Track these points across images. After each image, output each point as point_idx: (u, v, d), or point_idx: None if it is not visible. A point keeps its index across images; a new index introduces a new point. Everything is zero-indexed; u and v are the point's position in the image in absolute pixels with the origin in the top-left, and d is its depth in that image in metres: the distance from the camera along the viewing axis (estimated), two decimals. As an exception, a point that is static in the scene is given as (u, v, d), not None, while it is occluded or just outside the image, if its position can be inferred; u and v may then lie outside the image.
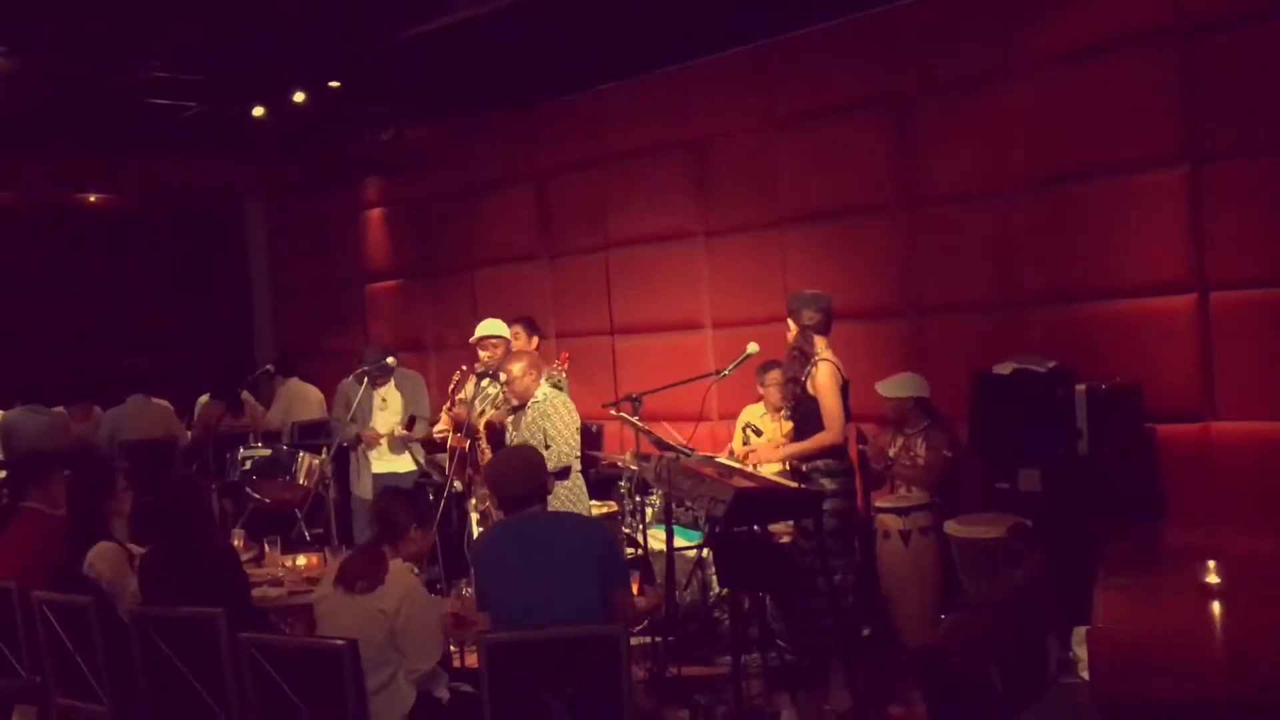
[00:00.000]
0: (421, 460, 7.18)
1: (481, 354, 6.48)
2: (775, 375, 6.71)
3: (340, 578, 3.97)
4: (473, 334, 6.73)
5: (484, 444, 6.06)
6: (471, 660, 5.40)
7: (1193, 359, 5.82)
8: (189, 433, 8.96)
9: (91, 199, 11.80)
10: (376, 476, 7.00)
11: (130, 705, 4.23)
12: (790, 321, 5.55)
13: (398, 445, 7.08)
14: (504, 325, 6.54)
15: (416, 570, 4.24)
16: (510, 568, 3.90)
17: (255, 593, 4.74)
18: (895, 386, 6.26)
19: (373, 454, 7.07)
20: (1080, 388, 5.64)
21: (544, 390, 5.97)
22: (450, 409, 6.45)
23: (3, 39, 6.75)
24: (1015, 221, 6.47)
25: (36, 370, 9.33)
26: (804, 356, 5.43)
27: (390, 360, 7.09)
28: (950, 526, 5.67)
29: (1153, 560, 4.46)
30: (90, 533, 4.64)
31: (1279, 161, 5.52)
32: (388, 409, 7.12)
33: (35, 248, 11.22)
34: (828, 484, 5.33)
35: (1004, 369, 5.84)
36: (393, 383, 7.04)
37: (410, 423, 7.04)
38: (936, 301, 6.87)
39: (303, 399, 9.27)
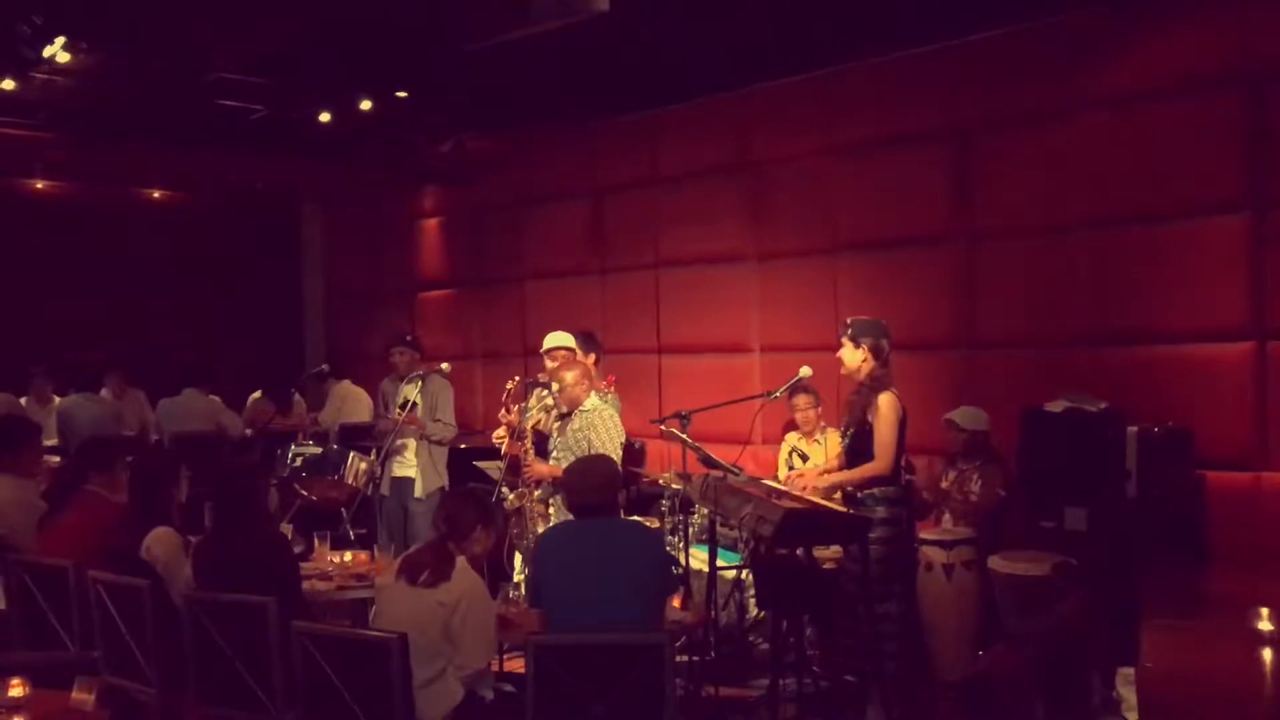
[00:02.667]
0: (439, 474, 7.14)
1: (548, 364, 6.54)
2: (801, 400, 6.73)
3: (404, 570, 4.03)
4: (522, 345, 6.80)
5: (530, 449, 6.12)
6: (510, 666, 5.43)
7: (1248, 408, 5.78)
8: (245, 428, 9.09)
9: (155, 194, 12.02)
10: (395, 480, 7.07)
11: (178, 689, 4.29)
12: (852, 347, 5.52)
13: (412, 431, 7.00)
14: (571, 338, 6.57)
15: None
16: (570, 567, 3.96)
17: (304, 586, 4.79)
18: (970, 418, 6.25)
19: (395, 458, 7.11)
20: (1132, 429, 5.60)
21: (593, 401, 6.03)
22: (506, 416, 6.51)
23: (83, 35, 6.91)
24: (1072, 259, 6.46)
25: (93, 360, 9.50)
26: (879, 385, 5.42)
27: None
28: (994, 562, 5.63)
29: (1200, 605, 4.43)
30: (150, 518, 4.73)
31: (1344, 212, 5.49)
32: (414, 411, 7.18)
33: (96, 240, 11.44)
34: (880, 511, 5.32)
35: (1055, 407, 5.82)
36: (419, 384, 7.07)
37: (406, 406, 6.94)
38: (988, 336, 6.86)
39: (354, 401, 9.37)
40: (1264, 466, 5.73)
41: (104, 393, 9.22)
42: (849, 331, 5.54)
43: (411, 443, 7.05)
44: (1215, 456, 5.77)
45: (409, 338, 7.38)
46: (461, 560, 4.03)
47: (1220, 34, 5.87)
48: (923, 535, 5.95)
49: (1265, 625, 3.61)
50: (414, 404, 6.94)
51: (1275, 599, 5.02)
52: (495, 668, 5.27)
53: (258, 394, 9.40)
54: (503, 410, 6.49)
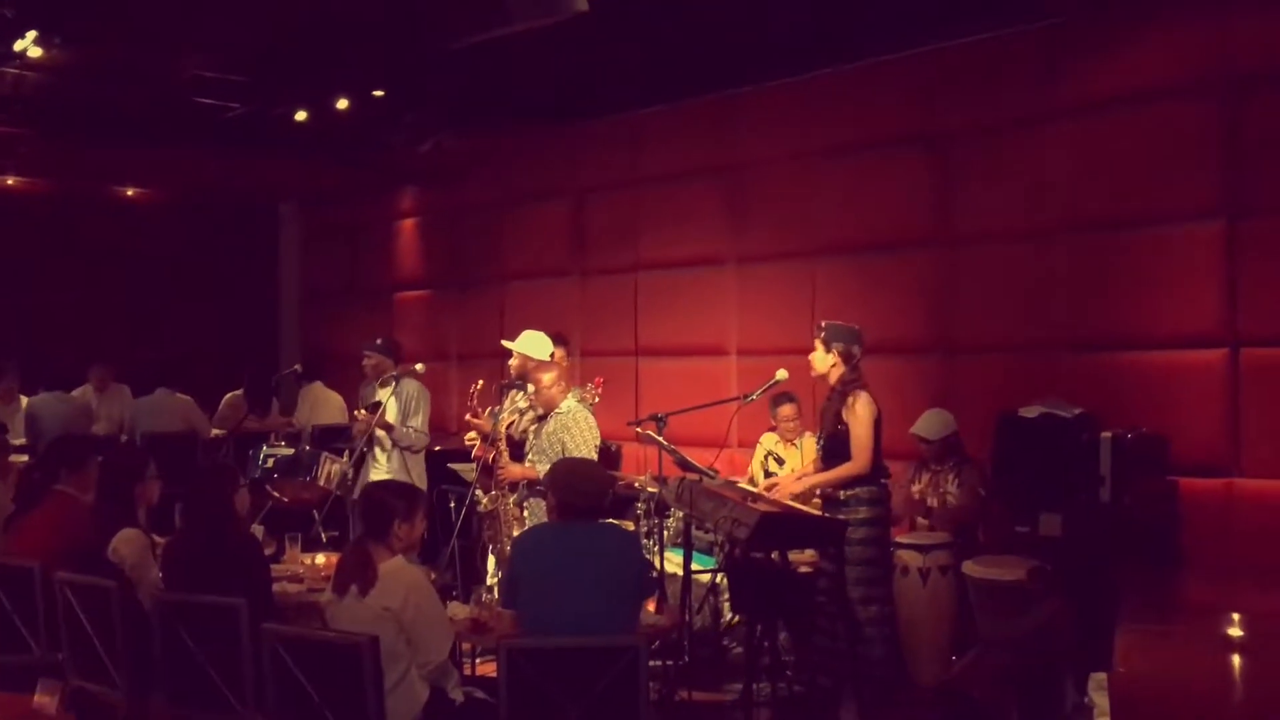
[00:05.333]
0: (413, 477, 7.09)
1: (510, 363, 6.52)
2: (787, 410, 6.74)
3: (334, 583, 4.00)
4: (499, 347, 6.77)
5: (504, 452, 6.07)
6: (483, 670, 5.40)
7: (1220, 414, 5.81)
8: (213, 428, 9.02)
9: (129, 192, 11.92)
10: (368, 484, 7.00)
11: (146, 691, 4.24)
12: (823, 350, 5.54)
13: (377, 433, 6.95)
14: (538, 344, 6.47)
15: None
16: (547, 569, 3.94)
17: (275, 588, 4.75)
18: (936, 427, 6.25)
19: (371, 463, 7.06)
20: (1106, 435, 5.62)
21: (568, 403, 6.00)
22: (473, 419, 6.46)
23: (57, 29, 6.84)
24: (1048, 265, 6.48)
25: (64, 358, 9.41)
26: (849, 389, 5.43)
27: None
28: (969, 567, 5.65)
29: (1173, 610, 4.45)
30: (117, 517, 4.67)
31: (1318, 220, 5.53)
32: (385, 413, 7.13)
33: (70, 237, 11.33)
34: (862, 511, 5.33)
35: (1030, 412, 5.84)
36: (391, 388, 7.01)
37: (372, 407, 6.90)
38: (965, 341, 6.88)
39: (325, 403, 9.32)
40: (1236, 472, 5.76)
41: (82, 389, 9.13)
42: (822, 334, 5.57)
43: (385, 445, 7.01)
44: (1188, 462, 5.80)
45: (379, 341, 7.32)
46: (394, 560, 3.98)
47: (1197, 41, 5.90)
48: (898, 539, 5.95)
49: (1237, 631, 3.62)
50: (382, 406, 6.86)
51: (1247, 605, 5.05)
52: (467, 670, 5.25)
53: (237, 393, 9.33)
54: (469, 415, 6.45)
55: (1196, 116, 5.88)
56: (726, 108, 8.18)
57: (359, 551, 4.01)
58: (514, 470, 5.99)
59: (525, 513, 5.99)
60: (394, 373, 7.11)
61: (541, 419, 6.05)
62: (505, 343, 6.56)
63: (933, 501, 6.25)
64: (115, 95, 8.36)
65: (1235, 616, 3.67)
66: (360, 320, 11.50)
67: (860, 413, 5.36)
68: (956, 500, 6.19)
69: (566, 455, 5.76)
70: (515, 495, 6.01)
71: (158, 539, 4.81)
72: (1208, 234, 5.83)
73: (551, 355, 6.38)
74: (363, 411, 6.93)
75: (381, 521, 4.01)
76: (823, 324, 5.65)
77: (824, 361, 5.55)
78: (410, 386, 7.05)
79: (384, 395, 6.95)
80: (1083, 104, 6.31)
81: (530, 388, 6.06)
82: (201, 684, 4.03)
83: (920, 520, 6.31)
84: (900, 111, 7.18)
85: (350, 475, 7.01)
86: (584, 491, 4.10)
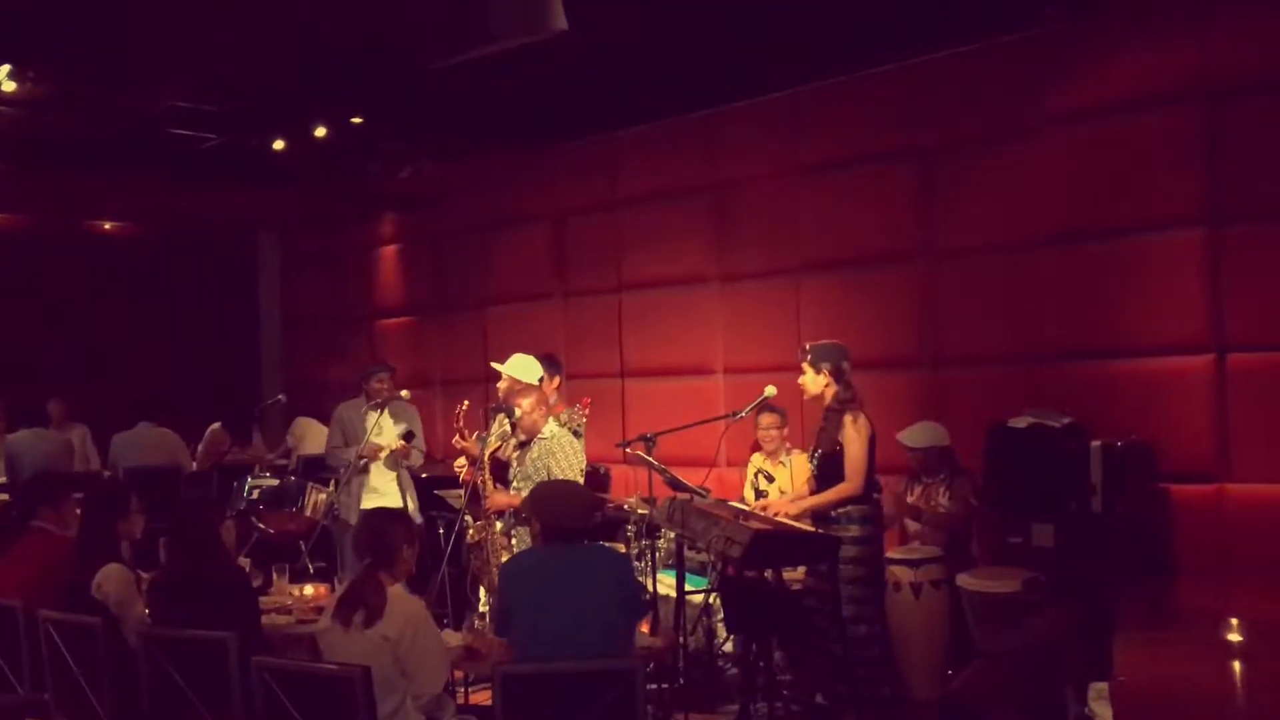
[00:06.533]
0: (411, 501, 7.11)
1: (499, 385, 6.48)
2: (766, 419, 6.68)
3: (339, 612, 3.91)
4: (484, 372, 6.79)
5: (488, 479, 6.00)
6: (476, 699, 5.33)
7: (1208, 420, 5.81)
8: (194, 461, 8.93)
9: (107, 226, 11.84)
10: (364, 513, 6.96)
11: (132, 729, 4.17)
12: (813, 372, 5.52)
13: (391, 460, 7.08)
14: (527, 367, 6.42)
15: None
16: (539, 594, 3.88)
17: (263, 620, 4.68)
18: (921, 436, 6.25)
19: (365, 490, 7.05)
20: (1095, 444, 5.63)
21: (551, 428, 5.93)
22: (461, 441, 6.41)
23: (29, 62, 6.79)
24: (1034, 276, 6.49)
25: (45, 394, 9.31)
26: (845, 406, 5.42)
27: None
28: (963, 580, 5.62)
29: (1169, 617, 4.43)
30: (100, 553, 4.59)
31: (1299, 225, 5.55)
32: (382, 435, 7.12)
33: (48, 271, 11.24)
34: (854, 529, 5.30)
35: (1020, 422, 5.84)
36: (388, 410, 7.07)
37: (408, 436, 7.03)
38: (952, 353, 6.88)
39: (316, 433, 9.25)
40: (1225, 478, 5.76)
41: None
42: (808, 357, 5.56)
43: (383, 471, 7.02)
44: (1178, 469, 5.80)
45: (386, 364, 7.49)
46: (395, 588, 3.93)
47: (1178, 51, 5.93)
48: (889, 555, 5.93)
49: (1235, 636, 3.61)
50: (411, 432, 7.06)
51: (1243, 609, 5.04)
52: (460, 700, 5.18)
53: (216, 425, 9.25)
54: (457, 436, 6.40)
55: (1178, 125, 5.91)
56: (707, 126, 8.18)
57: (371, 580, 3.94)
58: (500, 499, 5.90)
59: (513, 540, 5.91)
60: (379, 400, 7.11)
61: (524, 445, 5.98)
62: (495, 364, 6.51)
63: (926, 512, 6.22)
64: (91, 129, 8.30)
65: (1233, 621, 3.65)
66: (343, 348, 11.45)
67: (854, 433, 5.35)
68: (947, 510, 6.17)
69: (553, 479, 5.70)
70: (502, 524, 5.93)
71: (143, 574, 4.73)
72: (1192, 241, 5.85)
73: (540, 380, 6.33)
74: (396, 441, 7.04)
75: (389, 549, 3.98)
76: (807, 346, 5.63)
77: (816, 383, 5.54)
78: (408, 409, 7.28)
79: (384, 421, 7.00)
80: (1065, 115, 6.33)
81: (516, 413, 6.00)
82: (191, 719, 3.96)
83: (910, 524, 6.28)
84: (882, 126, 7.20)
85: (337, 504, 6.96)
86: (568, 514, 4.05)
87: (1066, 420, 5.73)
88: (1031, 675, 3.85)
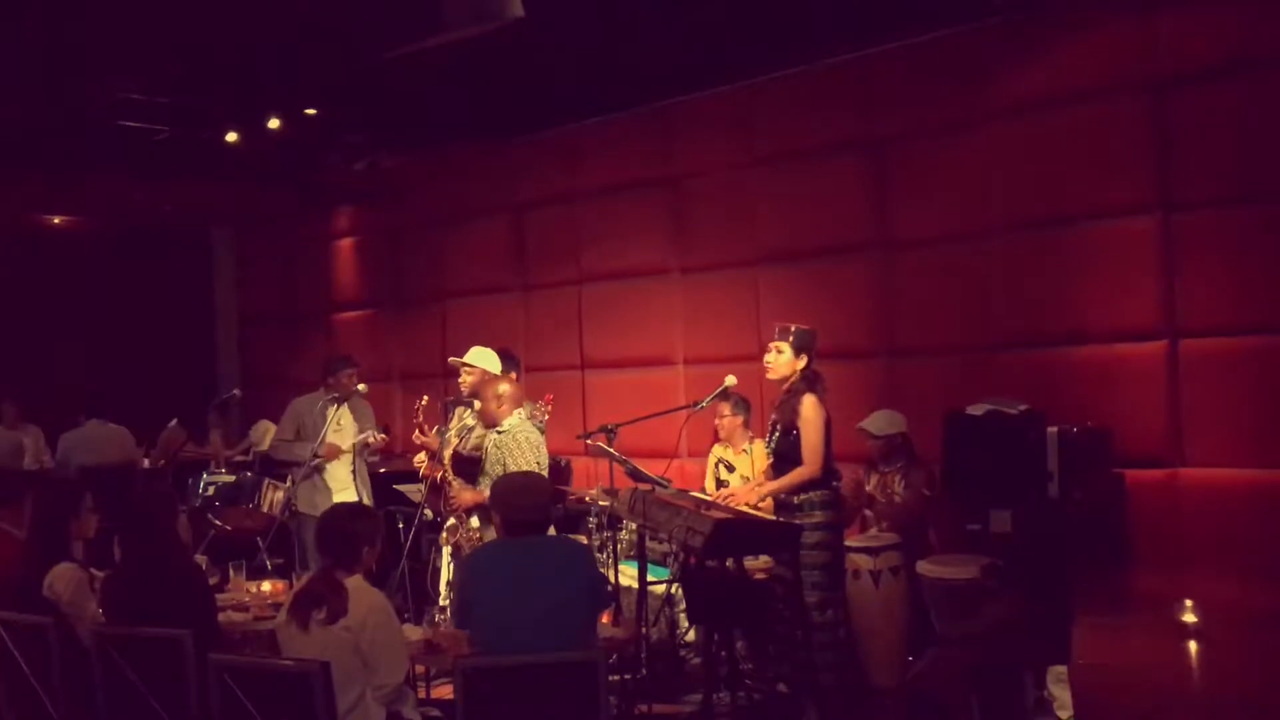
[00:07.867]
0: (366, 496, 7.10)
1: (462, 378, 6.40)
2: (724, 407, 6.63)
3: (296, 609, 3.85)
4: (442, 366, 6.76)
5: (450, 476, 5.94)
6: (439, 693, 5.30)
7: (1162, 405, 5.89)
8: (145, 459, 8.79)
9: (56, 220, 11.64)
10: (328, 509, 6.89)
11: (87, 730, 4.10)
12: (792, 355, 5.49)
13: (362, 450, 7.15)
14: (485, 356, 6.37)
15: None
16: (501, 587, 3.86)
17: (220, 617, 4.62)
18: (883, 423, 6.27)
19: (321, 485, 6.99)
20: (1052, 430, 5.66)
21: (510, 421, 5.85)
22: (420, 436, 6.35)
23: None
24: (989, 265, 6.55)
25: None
26: (815, 387, 5.41)
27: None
28: (922, 567, 5.65)
29: (1127, 601, 4.49)
30: (51, 553, 4.50)
31: (1248, 212, 5.64)
32: (342, 430, 7.06)
33: (-4, 268, 11.05)
34: (817, 515, 5.31)
35: (976, 410, 5.84)
36: (348, 406, 7.02)
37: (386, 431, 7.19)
38: (909, 343, 6.92)
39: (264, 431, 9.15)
40: (1179, 462, 5.84)
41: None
42: (792, 340, 5.50)
43: (344, 465, 6.97)
44: (1134, 454, 5.85)
45: (354, 360, 7.45)
46: (354, 581, 3.89)
47: (1125, 40, 6.01)
48: (849, 542, 5.94)
49: (1189, 618, 3.66)
50: (386, 428, 7.23)
51: (1197, 592, 5.11)
52: (422, 695, 5.15)
53: (173, 422, 9.13)
54: (416, 431, 6.34)
55: (1129, 114, 5.98)
56: (665, 118, 8.18)
57: (328, 581, 3.87)
58: (465, 497, 5.82)
59: (485, 539, 5.83)
60: (335, 394, 7.03)
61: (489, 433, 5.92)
62: (454, 360, 6.44)
63: (881, 501, 6.26)
64: (38, 121, 8.15)
65: (1188, 603, 3.71)
66: (300, 343, 11.34)
67: (810, 415, 5.34)
68: (901, 500, 6.20)
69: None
70: (476, 520, 5.84)
71: (96, 573, 4.65)
72: (1143, 229, 5.92)
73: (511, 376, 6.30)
74: (379, 435, 7.17)
75: (352, 550, 3.93)
76: (791, 328, 5.59)
77: (791, 365, 5.52)
78: (363, 404, 7.24)
79: (343, 415, 7.02)
80: (1016, 105, 6.39)
81: (476, 404, 5.93)
82: (147, 719, 3.90)
83: (868, 513, 6.31)
84: (837, 118, 7.23)
85: (294, 498, 6.89)
86: (527, 506, 4.03)
87: (1023, 408, 5.75)
88: (989, 661, 3.88)
